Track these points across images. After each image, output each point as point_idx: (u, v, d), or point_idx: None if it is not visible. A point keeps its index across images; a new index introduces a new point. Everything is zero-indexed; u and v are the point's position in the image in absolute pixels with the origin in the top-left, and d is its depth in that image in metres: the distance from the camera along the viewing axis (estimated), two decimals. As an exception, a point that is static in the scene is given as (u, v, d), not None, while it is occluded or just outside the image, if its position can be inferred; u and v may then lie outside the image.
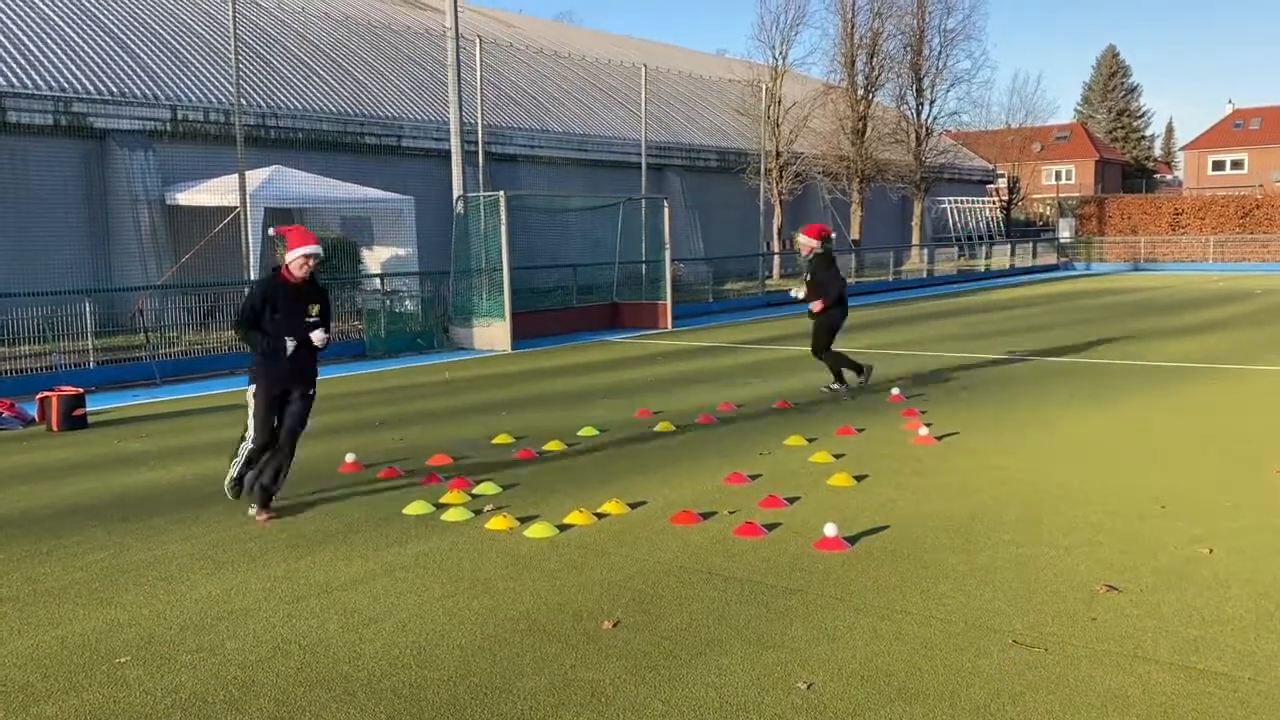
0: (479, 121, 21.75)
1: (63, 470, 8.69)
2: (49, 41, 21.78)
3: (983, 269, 37.43)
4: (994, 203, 49.46)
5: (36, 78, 20.44)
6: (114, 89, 21.39)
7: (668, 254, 20.67)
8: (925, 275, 34.50)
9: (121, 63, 22.37)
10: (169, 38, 24.36)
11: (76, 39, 22.35)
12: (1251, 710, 3.90)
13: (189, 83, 22.94)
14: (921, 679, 4.22)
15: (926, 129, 41.42)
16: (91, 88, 21.08)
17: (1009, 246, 40.07)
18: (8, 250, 19.18)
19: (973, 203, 47.52)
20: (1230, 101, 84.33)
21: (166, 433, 10.35)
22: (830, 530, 5.99)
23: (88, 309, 14.25)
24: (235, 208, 17.64)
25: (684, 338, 18.59)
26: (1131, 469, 7.68)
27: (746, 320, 21.82)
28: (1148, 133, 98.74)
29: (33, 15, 22.42)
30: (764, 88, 31.80)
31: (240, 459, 7.13)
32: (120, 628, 4.99)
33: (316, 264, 6.89)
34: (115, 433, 10.43)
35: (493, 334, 17.59)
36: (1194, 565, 5.51)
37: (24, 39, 21.42)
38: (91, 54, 22.13)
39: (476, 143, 21.76)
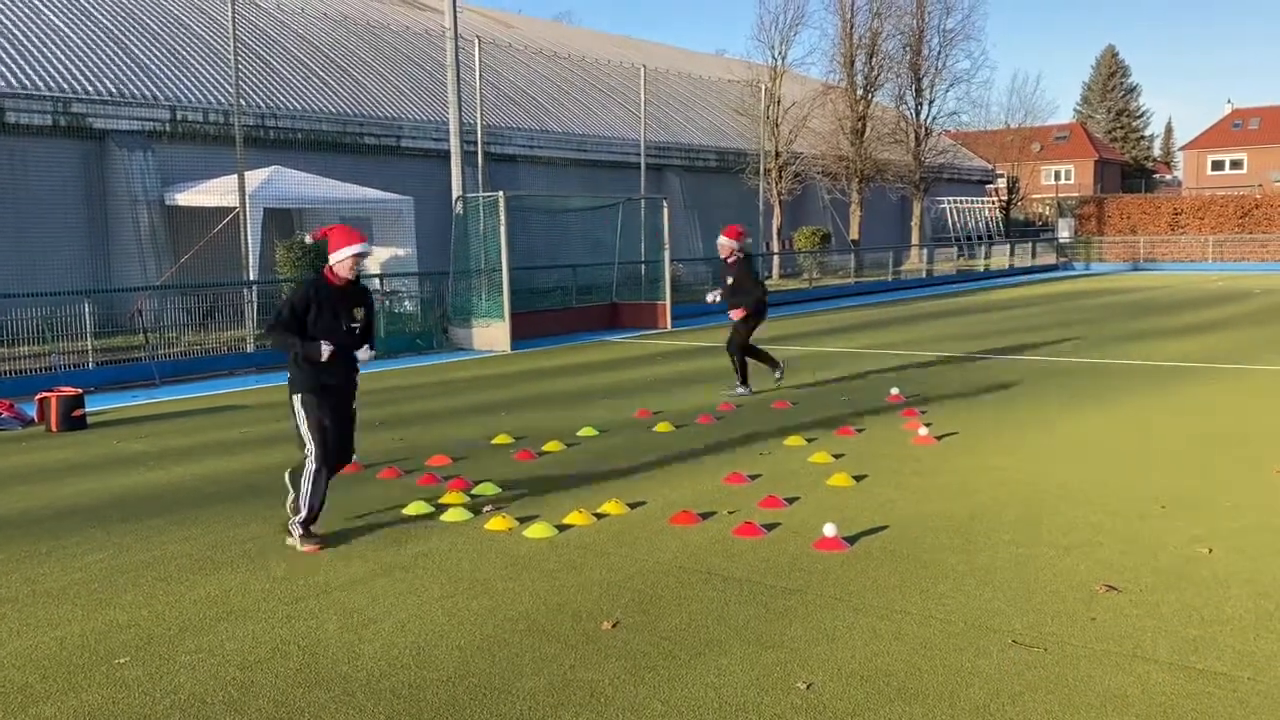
0: (478, 122, 21.75)
1: (62, 471, 8.69)
2: (48, 42, 21.78)
3: (982, 269, 37.43)
4: (993, 203, 49.48)
5: (36, 78, 20.44)
6: (113, 89, 21.39)
7: (667, 254, 20.67)
8: (924, 275, 34.50)
9: (121, 63, 22.37)
10: (168, 38, 24.37)
11: (76, 39, 22.34)
12: (1251, 710, 3.90)
13: (188, 83, 22.94)
14: (921, 679, 4.22)
15: (926, 129, 41.44)
16: (91, 88, 21.08)
17: (1008, 246, 40.09)
18: (7, 251, 19.17)
19: (972, 203, 47.53)
20: (1229, 101, 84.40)
21: (166, 434, 10.35)
22: (829, 530, 5.99)
23: (87, 309, 14.25)
24: (234, 208, 17.64)
25: (683, 338, 18.58)
26: (1131, 469, 7.68)
27: (746, 320, 21.79)
28: (1147, 133, 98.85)
29: (32, 16, 22.42)
30: (763, 88, 31.81)
31: (307, 488, 6.25)
32: (119, 628, 4.99)
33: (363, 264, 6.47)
34: (114, 433, 10.43)
35: (492, 334, 17.59)
36: (1194, 565, 5.50)
37: (23, 39, 21.42)
38: (91, 54, 22.14)
39: (476, 143, 21.76)
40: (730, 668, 4.37)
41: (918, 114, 41.33)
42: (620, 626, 4.85)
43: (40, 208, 20.04)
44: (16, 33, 21.50)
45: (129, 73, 22.21)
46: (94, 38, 22.81)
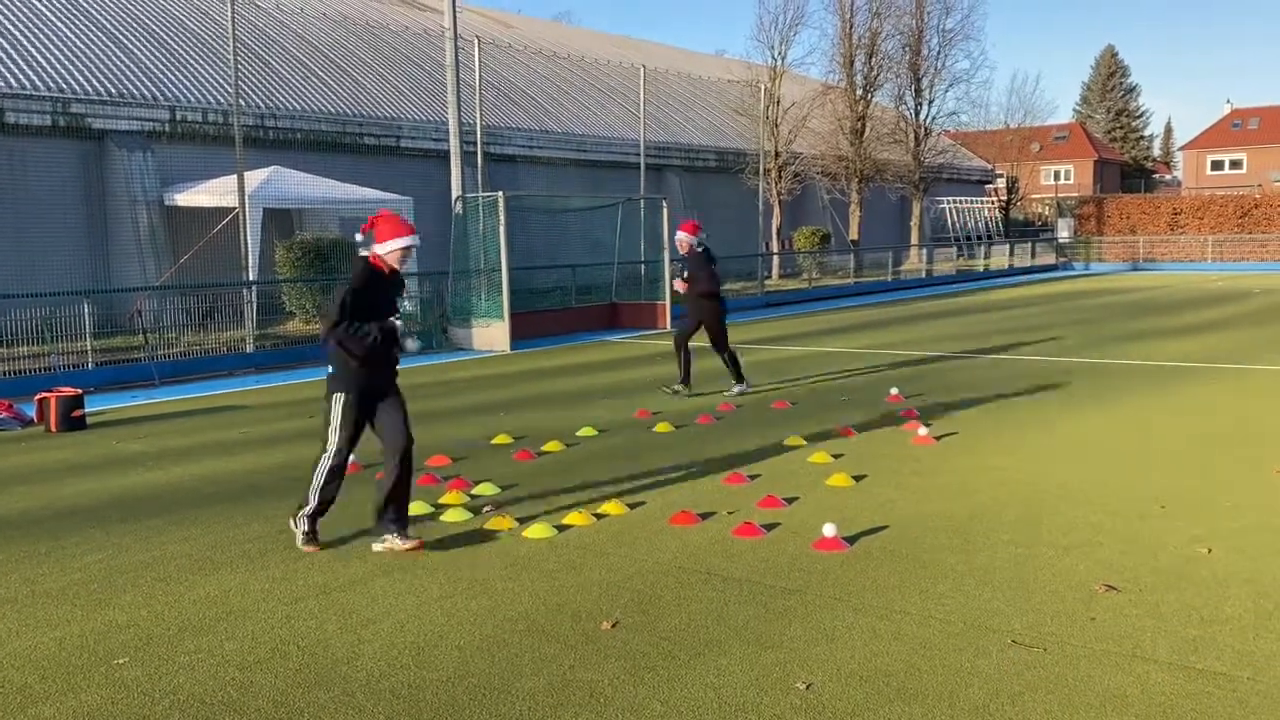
0: (478, 122, 21.74)
1: (61, 471, 8.68)
2: (47, 42, 21.77)
3: (981, 269, 37.43)
4: (993, 203, 49.48)
5: (35, 78, 20.44)
6: (112, 90, 21.39)
7: (666, 254, 20.67)
8: (924, 275, 34.51)
9: (120, 63, 22.37)
10: (167, 38, 24.36)
11: (75, 40, 22.34)
12: (1250, 710, 3.90)
13: (187, 83, 22.93)
14: (920, 679, 4.22)
15: (925, 129, 41.46)
16: (90, 88, 21.07)
17: (1008, 246, 40.09)
18: (6, 251, 19.17)
19: (971, 203, 47.53)
20: (1229, 101, 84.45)
21: (165, 434, 10.35)
22: (829, 530, 5.99)
23: (86, 310, 14.24)
24: (234, 208, 17.63)
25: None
26: (1131, 469, 7.67)
27: (746, 320, 21.81)
28: (1146, 132, 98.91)
29: (31, 16, 22.41)
30: (763, 88, 31.81)
31: (317, 486, 6.13)
32: (118, 629, 4.99)
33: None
34: (114, 434, 10.42)
35: (492, 334, 17.59)
36: (1193, 565, 5.50)
37: (22, 40, 21.42)
38: (90, 55, 22.13)
39: (475, 143, 21.75)
40: (729, 668, 4.37)
41: (917, 114, 41.35)
42: (620, 627, 4.85)
43: (39, 208, 20.03)
44: (16, 33, 21.50)
45: (128, 73, 22.20)
46: (93, 38, 22.80)
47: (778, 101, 34.65)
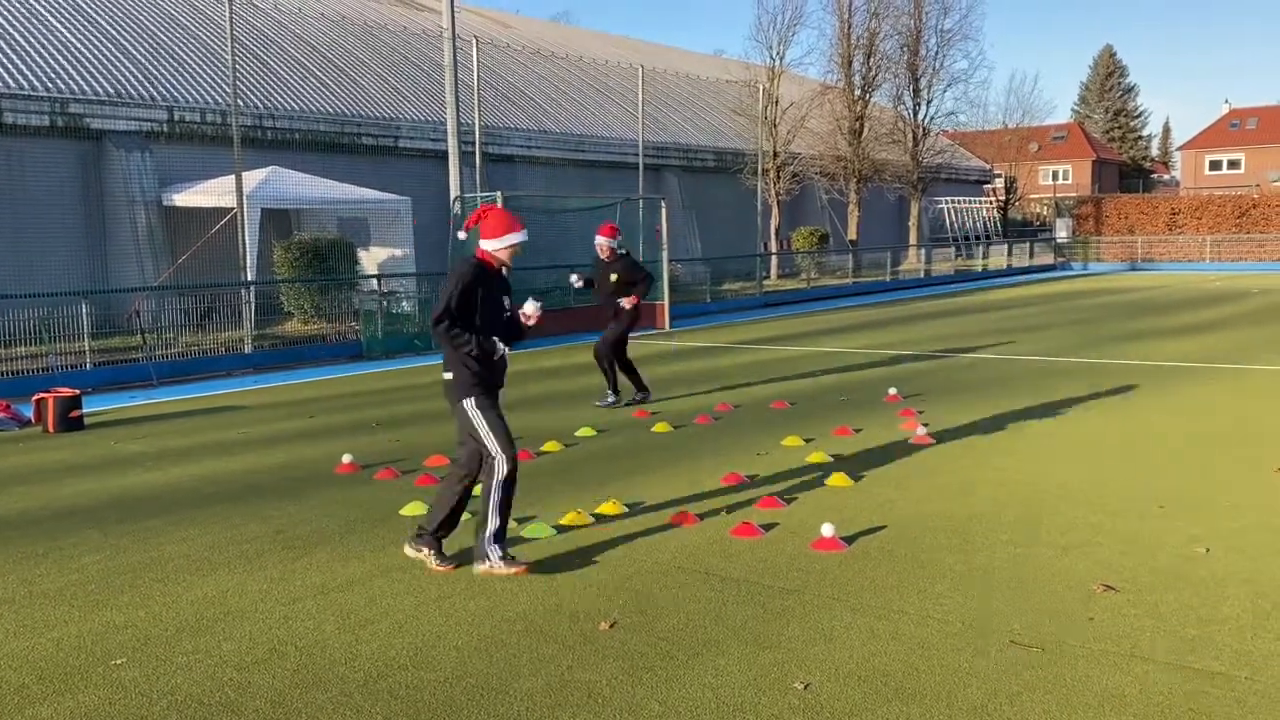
0: (476, 122, 21.74)
1: (59, 472, 8.68)
2: (45, 42, 21.76)
3: (980, 269, 37.45)
4: (991, 203, 49.49)
5: (33, 78, 20.42)
6: (110, 90, 21.37)
7: (665, 254, 20.66)
8: (922, 275, 34.53)
9: (118, 64, 22.35)
10: (165, 39, 24.35)
11: (73, 40, 22.33)
12: (1248, 709, 3.90)
13: (185, 84, 22.92)
14: (918, 679, 4.22)
15: (923, 129, 41.47)
16: (88, 89, 21.06)
17: (1006, 246, 40.11)
18: (4, 251, 19.16)
19: (970, 203, 47.53)
20: (1227, 101, 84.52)
21: (163, 434, 10.34)
22: (827, 530, 5.99)
23: (84, 310, 14.23)
24: (232, 209, 17.63)
25: (682, 338, 18.58)
26: (1130, 469, 7.68)
27: (744, 320, 21.83)
28: (1145, 132, 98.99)
29: (29, 16, 22.40)
30: (761, 88, 31.82)
31: (496, 495, 5.63)
32: (116, 630, 4.98)
33: None
34: (112, 434, 10.42)
35: (490, 335, 17.54)
36: (1192, 565, 5.50)
37: (20, 40, 21.40)
38: (88, 55, 22.11)
39: (474, 143, 21.75)
40: (728, 668, 4.37)
41: (915, 114, 41.37)
42: (618, 627, 4.85)
43: (37, 208, 20.02)
44: (14, 33, 21.48)
45: (126, 73, 22.19)
46: (91, 38, 22.79)
47: (776, 101, 34.66)
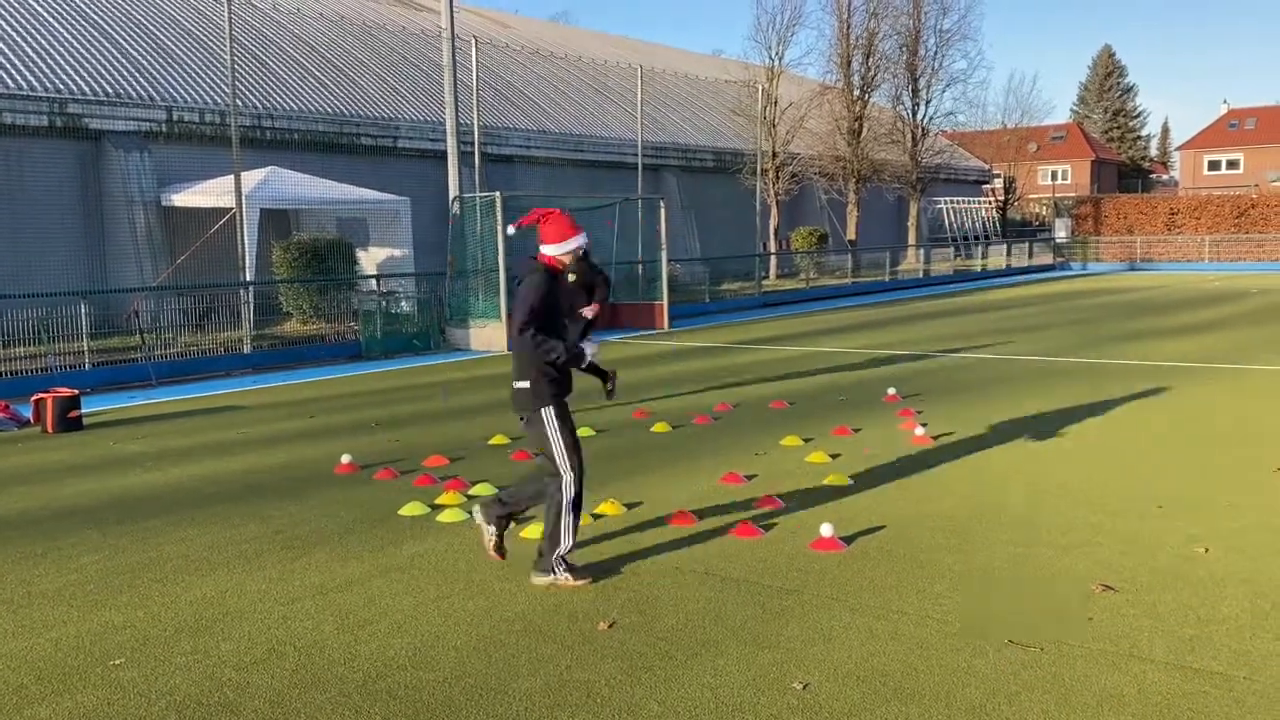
0: (475, 122, 21.73)
1: (58, 472, 8.67)
2: (44, 42, 21.75)
3: (979, 269, 37.45)
4: (990, 203, 49.50)
5: (31, 79, 20.41)
6: (109, 90, 21.37)
7: (664, 254, 20.67)
8: (921, 275, 34.52)
9: (117, 64, 22.35)
10: (164, 39, 24.34)
11: (71, 40, 22.32)
12: (1247, 709, 3.90)
13: (184, 84, 22.92)
14: (917, 679, 4.22)
15: (922, 129, 41.49)
16: (87, 89, 21.05)
17: (1005, 246, 40.11)
18: (3, 251, 19.15)
19: (969, 203, 47.55)
20: (1225, 101, 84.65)
21: (163, 434, 10.33)
22: (826, 530, 5.99)
23: (83, 310, 14.22)
24: (231, 209, 17.63)
25: (681, 338, 18.58)
26: (1130, 469, 7.68)
27: (743, 320, 21.83)
28: (1143, 133, 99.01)
29: (28, 16, 22.38)
30: (760, 88, 31.82)
31: (569, 518, 5.49)
32: (115, 630, 4.98)
33: None
34: (111, 434, 10.41)
35: (489, 335, 17.57)
36: (1191, 565, 5.50)
37: (19, 40, 21.39)
38: (87, 55, 22.11)
39: (473, 143, 21.74)
40: (727, 668, 4.37)
41: (914, 114, 41.38)
42: (617, 627, 4.85)
43: (36, 208, 20.01)
44: (12, 33, 21.47)
45: (125, 73, 22.18)
46: (90, 38, 22.78)
47: (775, 102, 34.67)
